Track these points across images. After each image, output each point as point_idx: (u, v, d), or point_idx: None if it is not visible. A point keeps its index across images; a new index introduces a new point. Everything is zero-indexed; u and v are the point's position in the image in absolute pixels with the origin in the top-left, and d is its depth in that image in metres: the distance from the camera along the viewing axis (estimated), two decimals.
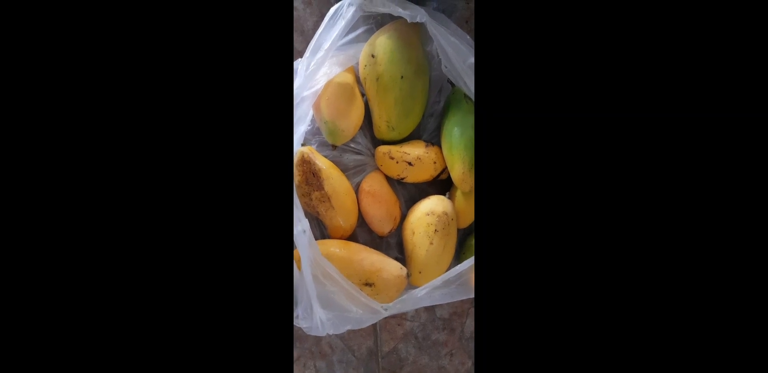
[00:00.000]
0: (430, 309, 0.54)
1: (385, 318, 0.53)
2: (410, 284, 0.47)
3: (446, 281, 0.43)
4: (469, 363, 0.55)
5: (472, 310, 0.55)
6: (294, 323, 0.39)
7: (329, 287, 0.37)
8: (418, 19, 0.42)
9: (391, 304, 0.40)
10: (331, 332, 0.38)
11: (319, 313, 0.37)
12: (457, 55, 0.43)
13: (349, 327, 0.39)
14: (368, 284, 0.42)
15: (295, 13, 0.50)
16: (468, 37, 0.45)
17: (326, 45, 0.42)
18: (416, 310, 0.53)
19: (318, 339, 0.50)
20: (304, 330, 0.39)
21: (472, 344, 0.56)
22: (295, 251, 0.41)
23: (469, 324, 0.55)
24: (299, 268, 0.39)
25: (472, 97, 0.45)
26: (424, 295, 0.41)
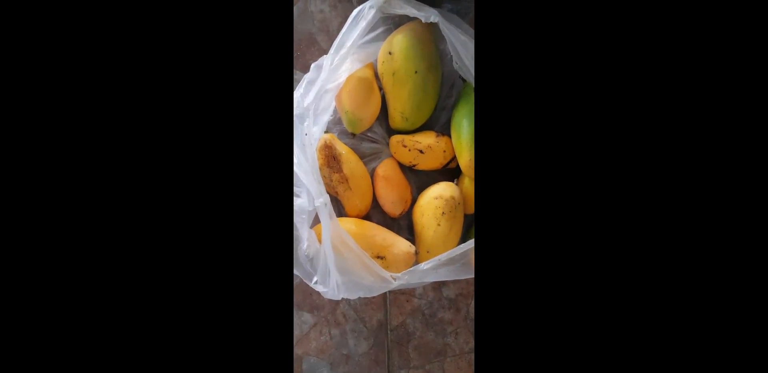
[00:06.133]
0: (437, 288, 0.56)
1: (395, 294, 0.55)
2: (418, 263, 0.50)
3: (450, 259, 0.45)
4: (473, 343, 0.58)
5: None
6: (313, 287, 0.43)
7: (345, 254, 0.41)
8: (431, 20, 0.44)
9: (399, 274, 0.43)
10: (345, 296, 0.41)
11: (336, 278, 0.41)
12: (468, 52, 0.46)
13: (361, 294, 0.43)
14: (380, 257, 0.46)
15: (321, 14, 0.54)
16: None
17: (349, 43, 0.45)
18: (424, 288, 0.55)
19: (333, 308, 0.53)
20: (322, 294, 0.42)
21: None
22: (317, 226, 0.45)
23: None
24: (320, 240, 0.43)
25: None
26: (429, 269, 0.44)
